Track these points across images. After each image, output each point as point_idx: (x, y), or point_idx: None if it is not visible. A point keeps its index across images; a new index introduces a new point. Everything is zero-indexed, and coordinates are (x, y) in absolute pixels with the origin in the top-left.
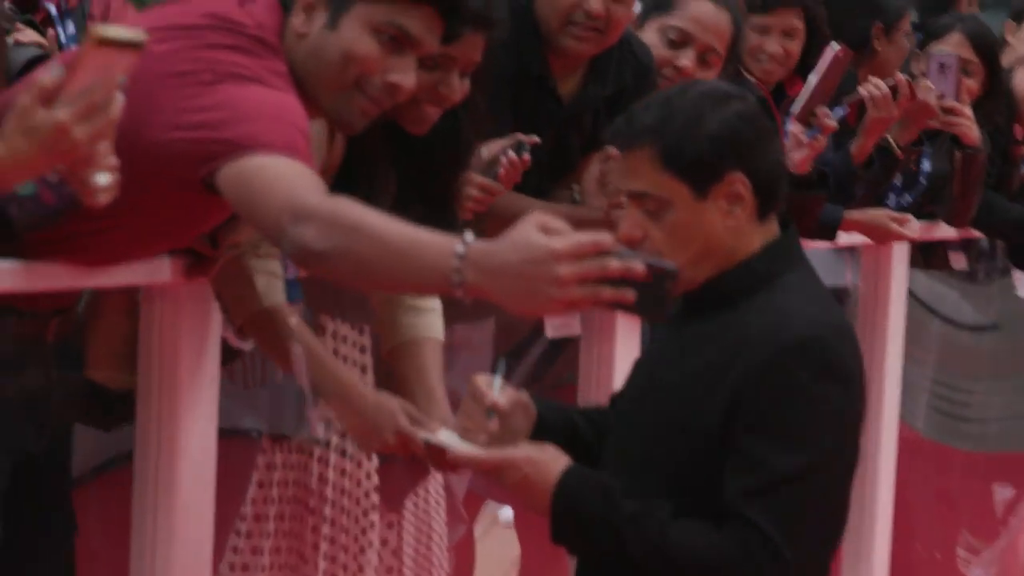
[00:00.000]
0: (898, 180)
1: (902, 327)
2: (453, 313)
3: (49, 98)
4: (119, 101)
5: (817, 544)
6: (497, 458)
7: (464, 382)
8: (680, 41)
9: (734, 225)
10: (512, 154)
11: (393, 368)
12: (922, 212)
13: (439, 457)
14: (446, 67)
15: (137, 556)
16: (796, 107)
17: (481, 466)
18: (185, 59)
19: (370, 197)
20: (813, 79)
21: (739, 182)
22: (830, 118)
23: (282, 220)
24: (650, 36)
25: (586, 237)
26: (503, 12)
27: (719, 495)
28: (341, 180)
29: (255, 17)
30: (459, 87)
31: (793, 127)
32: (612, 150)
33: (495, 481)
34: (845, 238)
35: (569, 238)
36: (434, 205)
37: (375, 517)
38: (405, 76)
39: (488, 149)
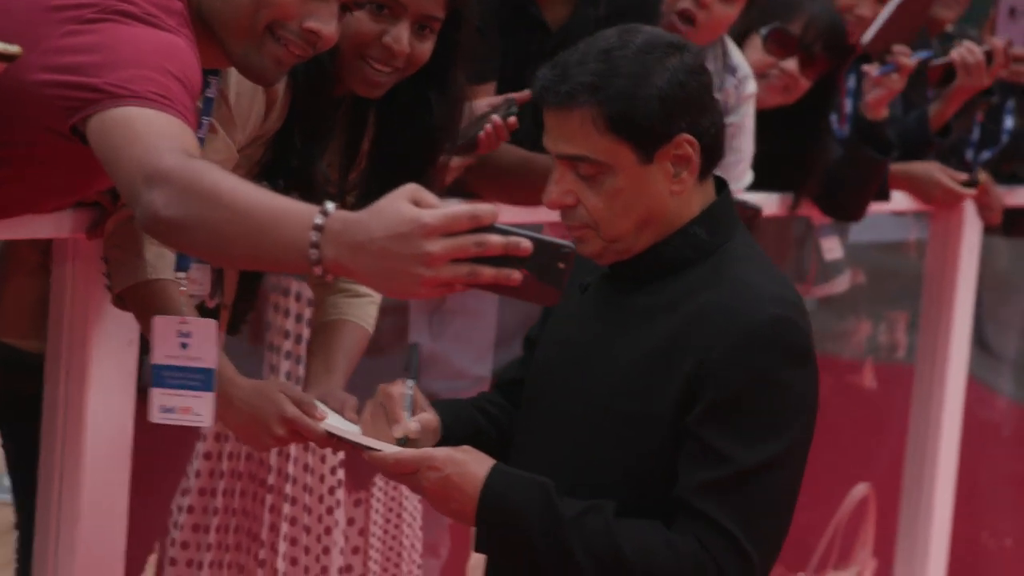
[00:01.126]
0: (975, 135)
1: (971, 298)
2: None
3: None
4: None
5: (779, 538)
6: (413, 457)
7: (458, 348)
8: None
9: (679, 190)
10: (497, 118)
11: (311, 342)
12: (1001, 171)
13: (342, 447)
14: (395, 15)
15: (42, 532)
16: (868, 35)
17: (395, 467)
18: None
19: (307, 167)
20: (891, 5)
21: (687, 143)
22: (908, 56)
23: (136, 181)
24: None
25: (462, 209)
26: None
27: (668, 490)
28: (282, 144)
29: None
30: (408, 42)
31: (866, 67)
32: None
33: (409, 484)
34: (907, 203)
35: (441, 210)
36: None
37: (341, 495)
38: (325, 23)
39: (477, 105)
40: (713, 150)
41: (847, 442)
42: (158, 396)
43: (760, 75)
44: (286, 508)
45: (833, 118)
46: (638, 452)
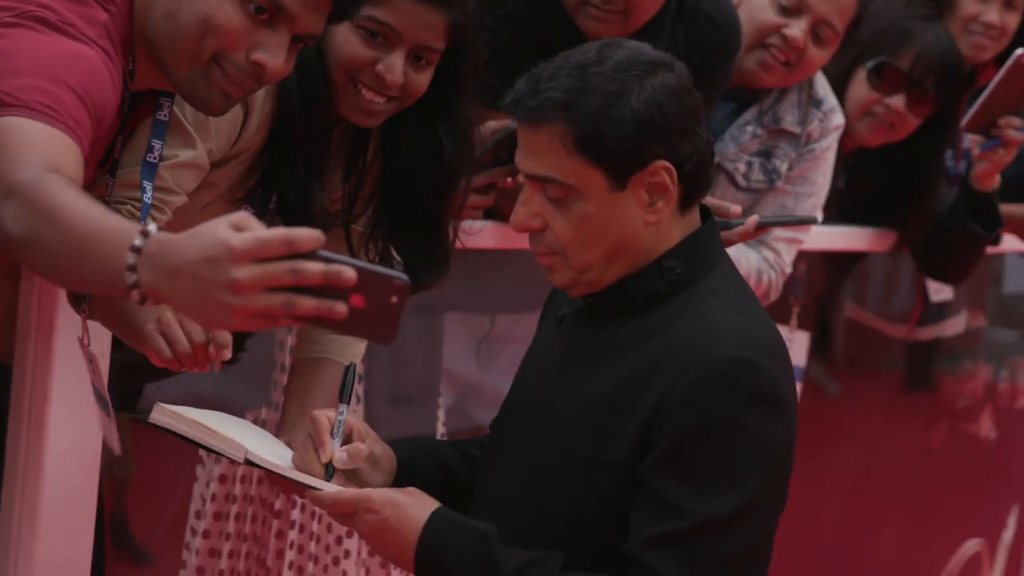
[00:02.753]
0: None
1: None
2: (496, 302)
3: None
4: None
5: None
6: (350, 497)
7: (509, 379)
8: (793, 8)
9: (654, 220)
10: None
11: (288, 380)
12: None
13: (274, 481)
14: (390, 43)
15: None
16: (966, 118)
17: (333, 507)
18: None
19: (305, 198)
20: (989, 88)
21: (664, 170)
22: (1015, 128)
23: None
24: (760, 2)
25: (276, 233)
26: None
27: (621, 539)
28: (275, 173)
29: None
30: (403, 71)
31: (971, 139)
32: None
33: (347, 525)
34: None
35: (252, 233)
36: (419, 234)
37: None
38: (273, 55)
39: (485, 128)
40: (696, 179)
41: (959, 493)
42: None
43: (865, 112)
44: (292, 535)
45: (949, 154)
46: (589, 497)
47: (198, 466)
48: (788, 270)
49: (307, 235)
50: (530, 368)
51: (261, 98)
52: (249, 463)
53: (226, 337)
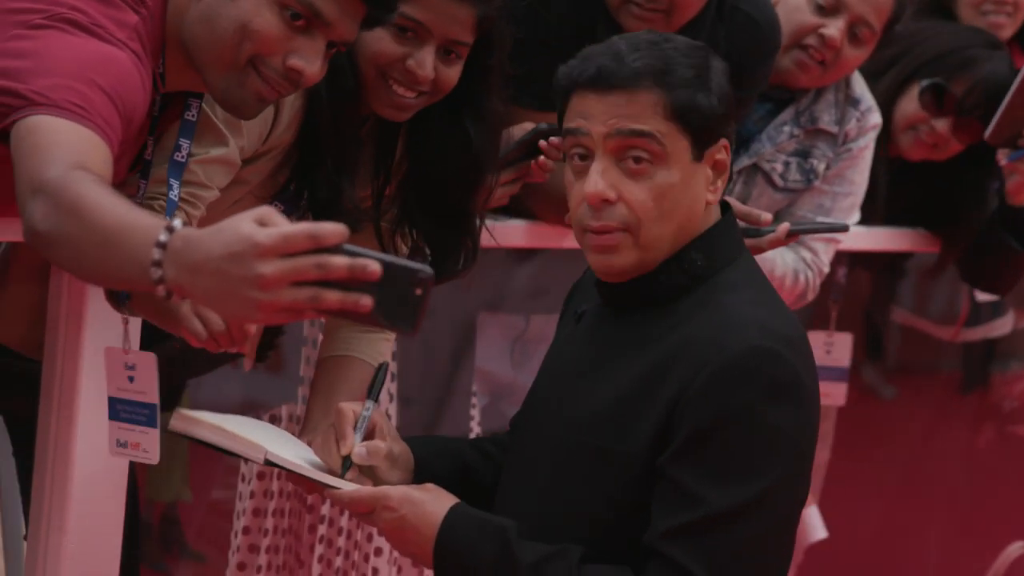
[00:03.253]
0: None
1: None
2: (529, 302)
3: None
4: None
5: None
6: (368, 495)
7: None
8: (830, 7)
9: (714, 199)
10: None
11: (314, 379)
12: None
13: (309, 486)
14: (420, 38)
15: (32, 541)
16: (989, 129)
17: (351, 505)
18: None
19: (336, 195)
20: (1007, 96)
21: (726, 149)
22: None
23: (25, 192)
24: (797, 2)
25: (301, 228)
26: None
27: (641, 532)
28: (307, 170)
29: None
30: (433, 66)
31: (1000, 158)
32: None
33: (367, 523)
34: None
35: (278, 228)
36: (447, 223)
37: None
38: (309, 61)
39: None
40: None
41: (1005, 496)
42: (114, 430)
43: (910, 126)
44: (322, 529)
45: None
46: (609, 490)
47: (242, 464)
48: (826, 269)
49: (332, 229)
50: (550, 366)
51: (291, 105)
52: (269, 463)
53: None
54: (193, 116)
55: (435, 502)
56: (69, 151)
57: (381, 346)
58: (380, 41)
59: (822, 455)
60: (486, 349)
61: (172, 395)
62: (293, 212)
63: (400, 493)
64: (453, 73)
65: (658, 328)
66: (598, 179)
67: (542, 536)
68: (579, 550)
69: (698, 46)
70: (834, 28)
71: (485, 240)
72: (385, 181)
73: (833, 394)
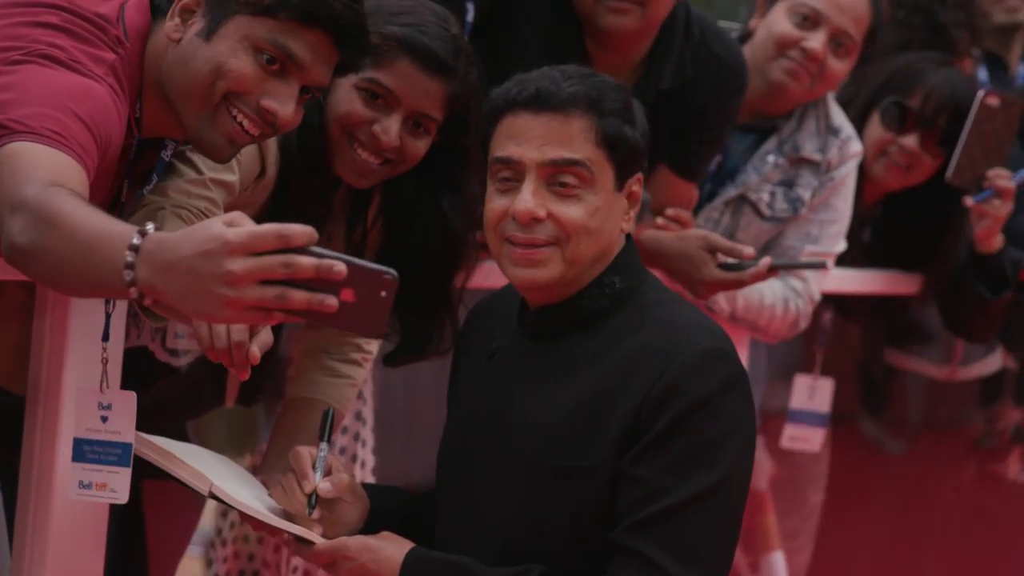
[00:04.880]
0: None
1: None
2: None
3: None
4: None
5: (721, 570)
6: (326, 548)
7: None
8: (811, 21)
9: (627, 228)
10: None
11: (277, 419)
12: None
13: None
14: (388, 105)
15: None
16: (949, 170)
17: (313, 559)
18: (4, 35)
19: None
20: (962, 136)
21: (639, 182)
22: (1005, 179)
23: (3, 212)
24: (777, 16)
25: (270, 227)
26: (461, 62)
27: (604, 541)
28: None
29: (109, 9)
30: (398, 135)
31: (966, 200)
32: None
33: (330, 573)
34: None
35: (248, 227)
36: (421, 310)
37: None
38: (283, 104)
39: None
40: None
41: (986, 532)
42: (76, 471)
43: (880, 153)
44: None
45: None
46: (570, 505)
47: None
48: (817, 297)
49: (300, 230)
50: (469, 406)
51: (275, 154)
52: (213, 497)
53: (267, 337)
54: (168, 156)
55: (392, 547)
56: (46, 171)
57: (346, 390)
58: (350, 103)
59: (815, 497)
60: None
61: (175, 436)
62: None
63: (358, 543)
64: (420, 145)
65: (591, 349)
66: (529, 197)
67: (499, 563)
68: (539, 567)
69: (621, 85)
70: (815, 41)
71: (474, 281)
72: (361, 242)
73: (811, 439)
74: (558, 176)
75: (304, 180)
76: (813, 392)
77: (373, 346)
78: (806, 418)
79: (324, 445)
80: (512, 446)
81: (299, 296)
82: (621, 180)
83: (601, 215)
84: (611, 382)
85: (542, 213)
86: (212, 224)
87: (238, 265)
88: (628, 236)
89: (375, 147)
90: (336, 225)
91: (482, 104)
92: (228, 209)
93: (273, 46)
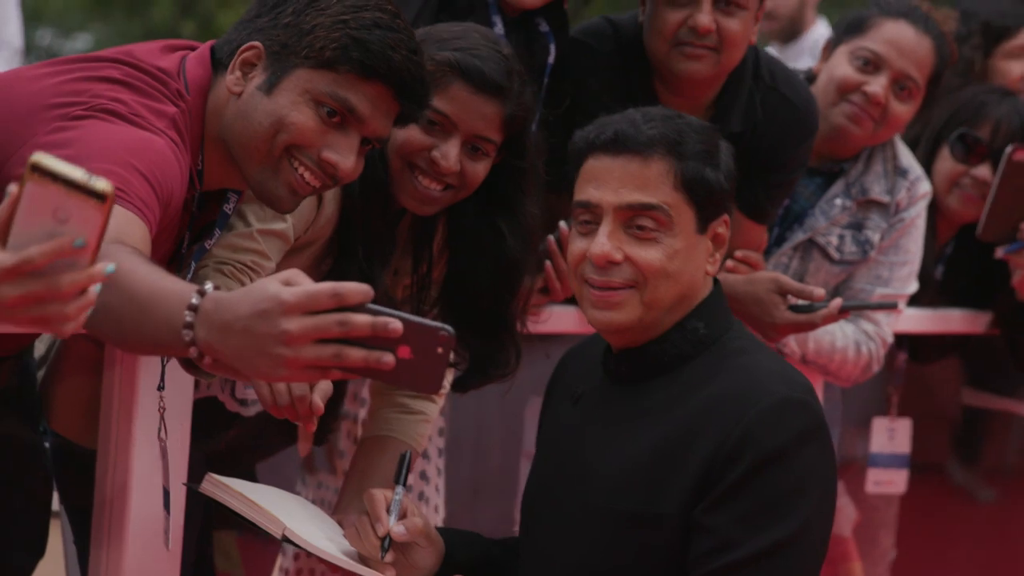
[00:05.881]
0: None
1: None
2: None
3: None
4: (73, 278)
5: None
6: None
7: None
8: (872, 65)
9: (712, 271)
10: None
11: (353, 457)
12: None
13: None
14: (446, 131)
15: None
16: (980, 226)
17: None
18: (66, 90)
19: (364, 278)
20: (992, 190)
21: (726, 224)
22: None
23: None
24: (839, 60)
25: (325, 286)
26: (514, 82)
27: None
28: (343, 258)
29: (170, 63)
30: (457, 159)
31: (998, 252)
32: None
33: None
34: None
35: (303, 287)
36: (484, 331)
37: None
38: (343, 156)
39: None
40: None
41: None
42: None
43: (953, 184)
44: None
45: None
46: (640, 553)
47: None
48: (889, 340)
49: (355, 288)
50: (552, 450)
51: (332, 191)
52: (287, 540)
53: (327, 387)
54: (231, 209)
55: None
56: (109, 228)
57: (420, 427)
58: (407, 132)
59: (886, 541)
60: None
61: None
62: None
63: None
64: (480, 168)
65: (671, 395)
66: (605, 240)
67: None
68: None
69: (709, 126)
70: (877, 85)
71: (537, 327)
72: (426, 275)
73: (895, 481)
74: (635, 219)
75: (367, 213)
76: (893, 434)
77: (446, 379)
78: (888, 461)
79: (400, 489)
80: (586, 490)
81: (356, 354)
82: (704, 223)
83: (680, 258)
84: (687, 429)
85: (618, 256)
86: (268, 283)
87: (294, 325)
88: (716, 281)
89: (435, 173)
90: (403, 260)
91: (537, 126)
92: (293, 250)
93: (334, 100)
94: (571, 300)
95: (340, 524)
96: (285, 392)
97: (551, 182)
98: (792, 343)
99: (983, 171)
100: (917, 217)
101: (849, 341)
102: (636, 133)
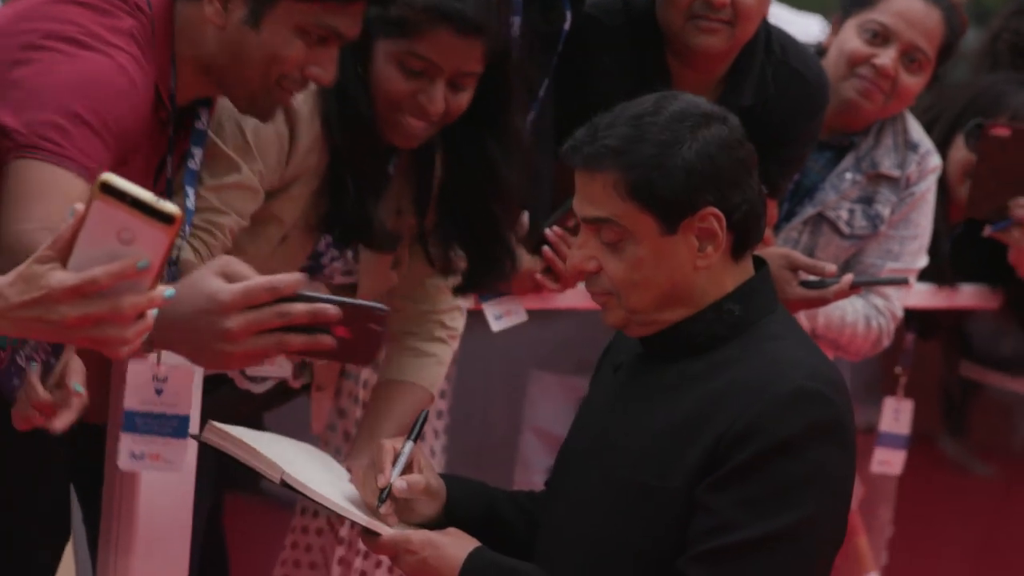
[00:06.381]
0: None
1: None
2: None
3: (62, 249)
4: (134, 300)
5: None
6: (389, 539)
7: None
8: (881, 37)
9: (704, 264)
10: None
11: (368, 401)
12: None
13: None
14: (429, 75)
15: None
16: (967, 204)
17: (376, 549)
18: (24, 13)
19: (361, 217)
20: (974, 168)
21: (713, 217)
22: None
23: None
24: (848, 34)
25: (259, 282)
26: (495, 15)
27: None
28: (335, 194)
29: None
30: (443, 99)
31: (985, 230)
32: None
33: (394, 563)
34: None
35: (239, 285)
36: (481, 235)
37: None
38: (327, 71)
39: None
40: (747, 228)
41: None
42: (127, 441)
43: (966, 175)
44: (357, 562)
45: None
46: (652, 526)
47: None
48: (899, 314)
49: (289, 280)
50: (586, 416)
51: (306, 119)
52: (285, 485)
53: None
54: (203, 125)
55: (455, 545)
56: (43, 209)
57: (433, 369)
58: (391, 81)
59: (885, 514)
60: (545, 410)
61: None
62: (344, 246)
63: (421, 537)
64: (463, 99)
65: (699, 373)
66: (576, 252)
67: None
68: None
69: (689, 114)
70: (886, 57)
71: (535, 303)
72: (424, 209)
73: (894, 462)
74: (599, 231)
75: (354, 151)
76: (898, 414)
77: (458, 322)
78: (892, 441)
79: (410, 444)
80: (605, 461)
81: (297, 339)
82: (670, 224)
83: (649, 265)
84: (704, 408)
85: (591, 266)
86: (206, 280)
87: (234, 323)
88: (763, 263)
89: (423, 115)
90: (405, 199)
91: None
92: (282, 192)
93: (321, 28)
94: None
95: (350, 470)
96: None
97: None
98: (802, 318)
99: None
100: (927, 191)
101: (859, 316)
102: (589, 143)
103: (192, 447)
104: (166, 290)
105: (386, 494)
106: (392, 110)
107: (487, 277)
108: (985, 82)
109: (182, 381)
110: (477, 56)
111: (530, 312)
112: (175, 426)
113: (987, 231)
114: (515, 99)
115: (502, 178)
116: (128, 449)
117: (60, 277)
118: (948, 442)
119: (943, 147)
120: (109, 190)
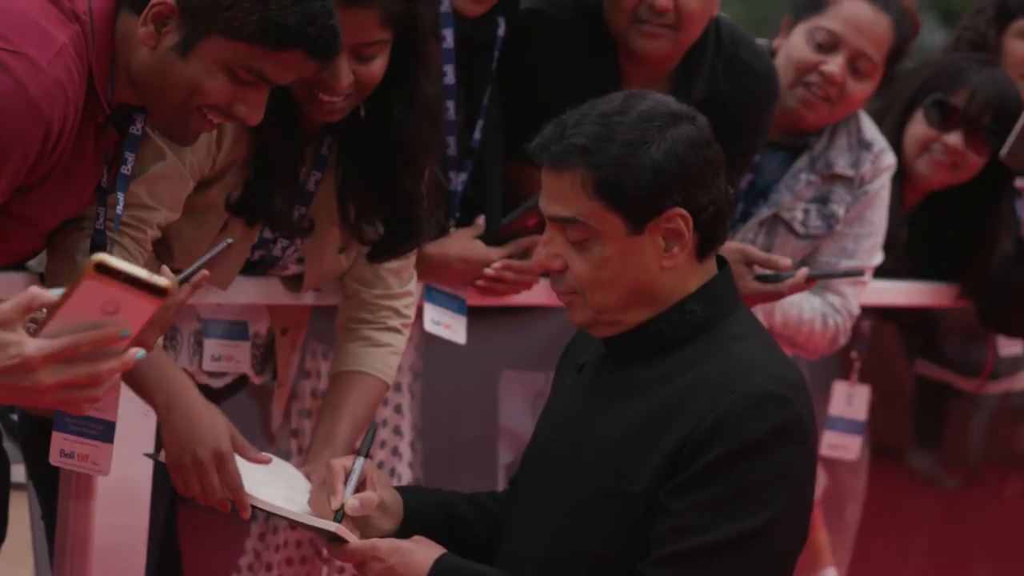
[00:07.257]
0: None
1: None
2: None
3: (32, 316)
4: (110, 365)
5: None
6: (357, 548)
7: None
8: (828, 44)
9: (670, 265)
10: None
11: (324, 399)
12: None
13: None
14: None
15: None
16: (1004, 149)
17: (344, 558)
18: None
19: (270, 203)
20: (1022, 116)
21: (680, 217)
22: None
23: None
24: (797, 39)
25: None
26: None
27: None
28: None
29: None
30: (350, 71)
31: (1017, 181)
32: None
33: (360, 573)
34: None
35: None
36: (389, 202)
37: None
38: (254, 112)
39: None
40: (713, 229)
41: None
42: (58, 440)
43: (923, 150)
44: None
45: (1019, 204)
46: (611, 530)
47: (252, 523)
48: (856, 312)
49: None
50: (551, 416)
51: None
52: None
53: None
54: (138, 131)
55: (422, 552)
56: None
57: (388, 359)
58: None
59: (853, 514)
60: (508, 406)
61: None
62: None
63: (388, 544)
64: (375, 68)
65: (661, 374)
66: (540, 250)
67: None
68: None
69: (657, 114)
70: (834, 64)
71: (509, 299)
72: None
73: (848, 446)
74: (565, 230)
75: (267, 133)
76: (851, 399)
77: (411, 310)
78: (843, 426)
79: (361, 460)
80: (569, 462)
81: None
82: (636, 224)
83: (614, 264)
84: (666, 410)
85: (556, 264)
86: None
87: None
88: (725, 264)
89: (333, 91)
90: (335, 174)
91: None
92: (215, 180)
93: (248, 72)
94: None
95: (308, 476)
96: (217, 489)
97: (517, 151)
98: (759, 315)
99: (954, 139)
100: (882, 189)
101: (816, 314)
102: (556, 141)
103: (123, 454)
104: (138, 352)
105: (340, 515)
106: (306, 91)
107: (401, 242)
108: (944, 60)
109: (111, 389)
110: (374, 24)
111: (501, 310)
112: (101, 430)
113: (1019, 183)
114: (421, 63)
115: (408, 141)
116: (59, 447)
117: (38, 345)
118: (917, 456)
119: (901, 122)
120: (104, 269)
